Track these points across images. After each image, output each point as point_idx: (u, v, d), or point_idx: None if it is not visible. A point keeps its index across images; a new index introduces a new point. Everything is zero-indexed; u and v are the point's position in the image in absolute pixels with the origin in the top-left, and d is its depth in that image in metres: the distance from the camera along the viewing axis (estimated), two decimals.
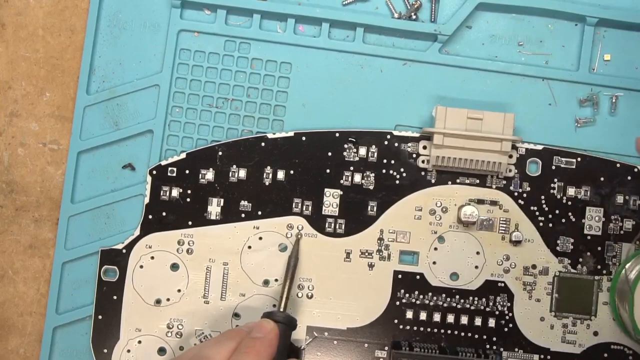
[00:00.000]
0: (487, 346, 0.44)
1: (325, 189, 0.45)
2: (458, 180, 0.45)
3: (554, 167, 0.45)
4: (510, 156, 0.44)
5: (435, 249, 0.45)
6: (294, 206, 0.45)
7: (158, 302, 0.45)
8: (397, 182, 0.45)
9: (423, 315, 0.44)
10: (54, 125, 0.46)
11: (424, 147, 0.45)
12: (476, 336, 0.45)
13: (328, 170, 0.45)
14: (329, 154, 0.45)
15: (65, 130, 0.46)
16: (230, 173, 0.45)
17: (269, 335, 0.39)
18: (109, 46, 0.46)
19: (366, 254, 0.45)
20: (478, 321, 0.44)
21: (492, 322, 0.44)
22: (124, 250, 0.45)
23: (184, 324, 0.44)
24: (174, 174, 0.45)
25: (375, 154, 0.45)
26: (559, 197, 0.45)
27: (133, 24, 0.46)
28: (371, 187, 0.45)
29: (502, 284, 0.45)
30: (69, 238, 0.45)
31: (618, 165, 0.45)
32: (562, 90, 0.46)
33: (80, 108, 0.46)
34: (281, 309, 0.42)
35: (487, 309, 0.45)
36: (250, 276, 0.45)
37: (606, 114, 0.46)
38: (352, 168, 0.45)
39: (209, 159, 0.45)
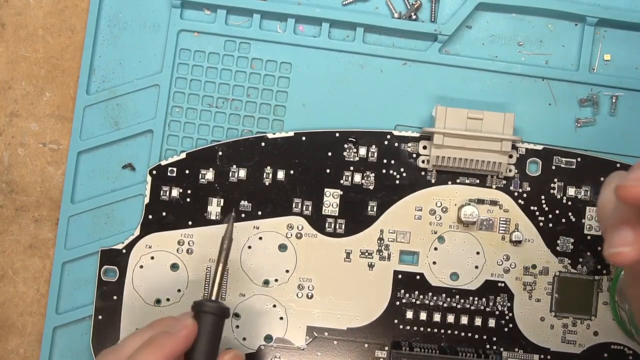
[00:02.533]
0: (487, 346, 0.44)
1: (325, 189, 0.45)
2: (458, 180, 0.45)
3: (554, 167, 0.45)
4: (510, 156, 0.44)
5: (435, 249, 0.45)
6: (294, 206, 0.45)
7: (158, 302, 0.45)
8: (397, 182, 0.45)
9: (423, 315, 0.44)
10: (54, 125, 0.46)
11: (424, 147, 0.45)
12: (476, 336, 0.45)
13: (328, 170, 0.45)
14: (329, 154, 0.45)
15: (65, 130, 0.46)
16: (230, 173, 0.45)
17: (181, 332, 0.37)
18: (109, 46, 0.46)
19: (366, 254, 0.45)
20: (478, 321, 0.44)
21: (492, 322, 0.44)
22: (124, 250, 0.45)
23: None
24: (174, 174, 0.45)
25: (375, 154, 0.45)
26: (559, 197, 0.45)
27: (133, 24, 0.46)
28: (371, 187, 0.45)
29: (502, 284, 0.45)
30: (69, 238, 0.46)
31: (618, 165, 0.45)
32: (562, 90, 0.46)
33: (80, 108, 0.46)
34: (212, 298, 0.39)
35: (487, 309, 0.45)
36: (250, 276, 0.45)
37: (606, 114, 0.46)
38: (352, 168, 0.45)
39: (209, 159, 0.45)
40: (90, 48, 0.46)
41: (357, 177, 0.45)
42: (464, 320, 0.44)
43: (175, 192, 0.45)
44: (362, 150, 0.45)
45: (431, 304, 0.45)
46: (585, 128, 0.46)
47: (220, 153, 0.45)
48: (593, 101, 0.45)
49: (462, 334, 0.45)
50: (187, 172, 0.45)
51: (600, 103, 0.46)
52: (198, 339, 0.37)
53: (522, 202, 0.45)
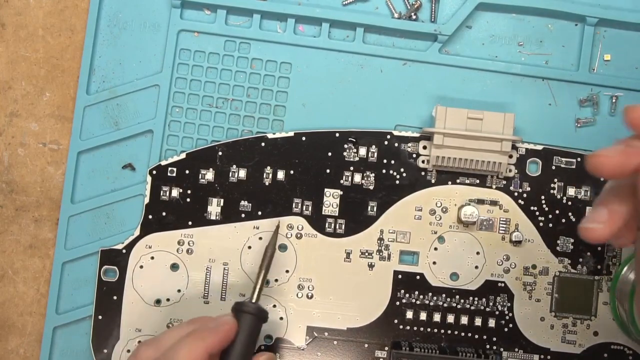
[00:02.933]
0: (487, 346, 0.44)
1: (325, 189, 0.45)
2: (458, 180, 0.45)
3: (554, 167, 0.45)
4: (510, 156, 0.44)
5: (435, 249, 0.45)
6: (294, 206, 0.45)
7: (158, 302, 0.45)
8: (397, 182, 0.45)
9: (423, 315, 0.44)
10: (54, 125, 0.46)
11: (424, 147, 0.45)
12: (476, 336, 0.45)
13: (328, 170, 0.45)
14: (329, 154, 0.45)
15: (65, 130, 0.46)
16: (230, 173, 0.45)
17: (222, 327, 0.38)
18: (109, 46, 0.46)
19: (366, 254, 0.45)
20: (478, 321, 0.44)
21: (492, 322, 0.44)
22: (124, 250, 0.45)
23: None
24: (174, 174, 0.45)
25: (375, 154, 0.45)
26: (559, 197, 0.45)
27: (133, 24, 0.46)
28: (371, 187, 0.45)
29: (502, 284, 0.45)
30: (69, 238, 0.46)
31: None
32: (562, 90, 0.46)
33: (80, 108, 0.46)
34: (253, 300, 0.40)
35: (487, 309, 0.45)
36: (251, 276, 0.45)
37: (606, 114, 0.46)
38: (352, 168, 0.45)
39: (209, 159, 0.45)
40: (90, 48, 0.46)
41: (357, 177, 0.45)
42: (464, 320, 0.44)
43: (175, 192, 0.45)
44: (362, 150, 0.45)
45: (431, 304, 0.45)
46: (585, 128, 0.46)
47: (220, 153, 0.45)
48: (593, 101, 0.45)
49: (462, 334, 0.45)
50: (187, 172, 0.45)
51: (600, 103, 0.46)
52: (236, 338, 0.38)
53: (522, 202, 0.45)
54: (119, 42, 0.46)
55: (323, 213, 0.45)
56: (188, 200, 0.45)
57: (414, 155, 0.45)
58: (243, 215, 0.45)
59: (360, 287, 0.45)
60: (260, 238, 0.45)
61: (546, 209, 0.45)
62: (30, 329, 0.46)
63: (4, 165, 0.46)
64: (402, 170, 0.45)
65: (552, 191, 0.45)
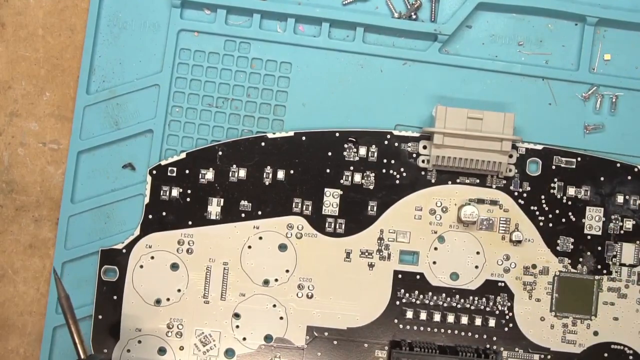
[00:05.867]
0: (487, 346, 0.44)
1: (325, 189, 0.45)
2: (458, 180, 0.45)
3: (554, 167, 0.45)
4: (511, 156, 0.44)
5: (435, 248, 0.45)
6: (294, 206, 0.45)
7: (158, 302, 0.45)
8: (397, 182, 0.45)
9: (423, 315, 0.44)
10: (54, 125, 0.46)
11: (424, 147, 0.45)
12: (476, 336, 0.45)
13: (328, 170, 0.45)
14: (329, 154, 0.45)
15: (65, 130, 0.46)
16: (230, 173, 0.45)
17: None
18: (109, 46, 0.46)
19: (366, 253, 0.45)
20: (478, 321, 0.44)
21: (492, 322, 0.44)
22: (124, 250, 0.45)
23: (184, 324, 0.44)
24: (174, 174, 0.45)
25: (375, 154, 0.45)
26: (559, 197, 0.45)
27: (133, 23, 0.46)
28: (371, 187, 0.45)
29: (502, 284, 0.45)
30: (69, 238, 0.45)
31: (618, 165, 0.45)
32: (562, 90, 0.46)
33: (80, 108, 0.46)
34: (82, 356, 0.40)
35: (487, 309, 0.45)
36: (250, 276, 0.45)
37: (606, 113, 0.46)
38: (352, 168, 0.45)
39: (209, 159, 0.45)
40: (90, 48, 0.46)
41: (357, 177, 0.45)
42: (464, 320, 0.44)
43: (175, 192, 0.45)
44: (362, 150, 0.45)
45: (431, 303, 0.45)
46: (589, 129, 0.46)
47: (220, 153, 0.45)
48: (597, 95, 0.45)
49: (462, 333, 0.45)
50: (187, 172, 0.45)
51: (601, 102, 0.46)
52: None
53: (522, 202, 0.45)
54: (119, 42, 0.46)
55: (323, 213, 0.45)
56: (188, 200, 0.45)
57: (414, 155, 0.45)
58: (243, 215, 0.45)
59: (360, 287, 0.45)
60: (260, 238, 0.45)
61: (546, 208, 0.45)
62: (30, 329, 0.46)
63: (4, 165, 0.46)
64: (402, 170, 0.45)
65: (552, 191, 0.45)
